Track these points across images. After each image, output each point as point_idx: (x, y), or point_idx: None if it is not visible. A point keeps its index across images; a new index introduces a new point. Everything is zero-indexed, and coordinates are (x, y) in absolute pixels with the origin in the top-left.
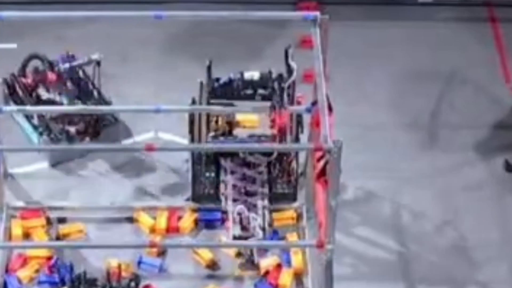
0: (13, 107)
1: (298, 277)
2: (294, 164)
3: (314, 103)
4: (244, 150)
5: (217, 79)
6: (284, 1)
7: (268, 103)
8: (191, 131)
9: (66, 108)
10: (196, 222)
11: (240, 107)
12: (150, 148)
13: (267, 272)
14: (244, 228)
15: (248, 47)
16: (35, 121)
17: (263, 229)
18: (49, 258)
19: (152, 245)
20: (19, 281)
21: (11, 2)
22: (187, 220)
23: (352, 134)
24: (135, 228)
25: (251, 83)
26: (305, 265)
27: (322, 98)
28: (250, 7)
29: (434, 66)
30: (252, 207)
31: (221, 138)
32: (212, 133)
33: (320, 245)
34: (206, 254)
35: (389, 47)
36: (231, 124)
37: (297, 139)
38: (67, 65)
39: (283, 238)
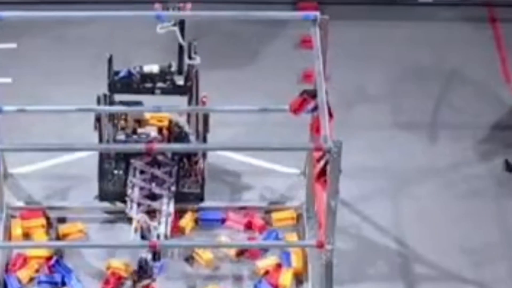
0: (13, 107)
1: (298, 277)
2: (201, 163)
3: (314, 109)
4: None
5: (116, 73)
6: (284, 1)
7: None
8: (99, 129)
9: (62, 108)
10: (196, 222)
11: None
12: (149, 148)
13: (266, 272)
14: (143, 237)
15: (248, 47)
16: None
17: (165, 236)
18: (49, 258)
19: (152, 245)
20: (19, 281)
21: (11, 2)
22: (187, 220)
23: (352, 134)
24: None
25: (150, 77)
26: (305, 265)
27: (322, 98)
28: (250, 7)
29: (434, 66)
30: (156, 214)
31: (134, 137)
32: (120, 132)
33: (320, 245)
34: (206, 254)
35: (389, 47)
36: (140, 121)
37: (204, 139)
38: None
39: (283, 238)
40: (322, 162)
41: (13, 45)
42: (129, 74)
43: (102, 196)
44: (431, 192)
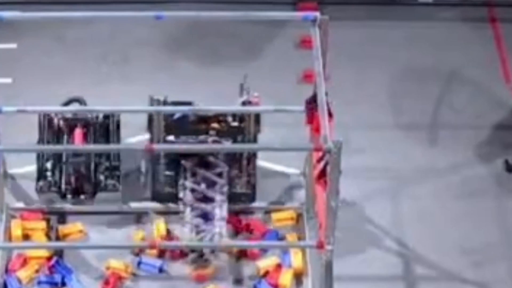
0: (13, 107)
1: (298, 277)
2: (252, 164)
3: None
4: (229, 151)
5: (171, 115)
6: (284, 1)
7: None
8: (151, 130)
9: (63, 108)
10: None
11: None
12: (150, 149)
13: (266, 273)
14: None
15: (248, 47)
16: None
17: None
18: (49, 258)
19: (152, 245)
20: (19, 281)
21: (11, 2)
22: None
23: (352, 134)
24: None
25: (204, 118)
26: (305, 265)
27: (321, 99)
28: (250, 7)
29: (434, 66)
30: (210, 217)
31: (182, 138)
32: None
33: (320, 246)
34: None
35: (389, 47)
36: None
37: (255, 139)
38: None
39: (283, 238)
40: (322, 163)
41: (13, 45)
42: (184, 115)
43: (155, 197)
44: (431, 192)
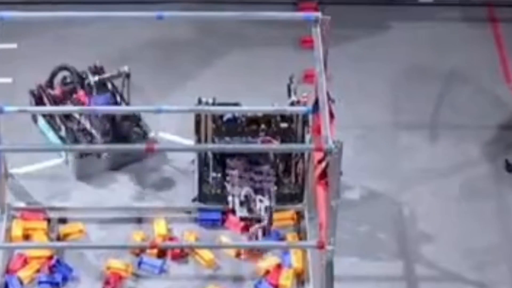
0: (14, 107)
1: (298, 277)
2: (300, 164)
3: (315, 109)
4: (244, 151)
5: (221, 117)
6: (285, 1)
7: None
8: (198, 131)
9: (75, 108)
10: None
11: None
12: (150, 149)
13: (267, 272)
14: (250, 210)
15: (248, 47)
16: (63, 133)
17: (270, 211)
18: (49, 258)
19: (152, 245)
20: (20, 281)
21: (11, 2)
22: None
23: (353, 134)
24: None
25: (255, 120)
26: (306, 265)
27: (323, 98)
28: (251, 8)
29: (435, 66)
30: (258, 190)
31: (227, 139)
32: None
33: (320, 246)
34: (206, 254)
35: (389, 47)
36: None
37: (303, 140)
38: (96, 77)
39: (283, 238)
40: (323, 164)
41: (13, 45)
42: (235, 117)
43: (202, 198)
44: (432, 192)
